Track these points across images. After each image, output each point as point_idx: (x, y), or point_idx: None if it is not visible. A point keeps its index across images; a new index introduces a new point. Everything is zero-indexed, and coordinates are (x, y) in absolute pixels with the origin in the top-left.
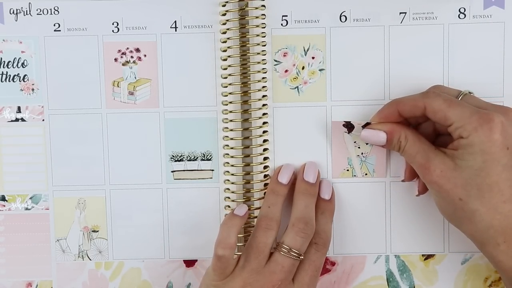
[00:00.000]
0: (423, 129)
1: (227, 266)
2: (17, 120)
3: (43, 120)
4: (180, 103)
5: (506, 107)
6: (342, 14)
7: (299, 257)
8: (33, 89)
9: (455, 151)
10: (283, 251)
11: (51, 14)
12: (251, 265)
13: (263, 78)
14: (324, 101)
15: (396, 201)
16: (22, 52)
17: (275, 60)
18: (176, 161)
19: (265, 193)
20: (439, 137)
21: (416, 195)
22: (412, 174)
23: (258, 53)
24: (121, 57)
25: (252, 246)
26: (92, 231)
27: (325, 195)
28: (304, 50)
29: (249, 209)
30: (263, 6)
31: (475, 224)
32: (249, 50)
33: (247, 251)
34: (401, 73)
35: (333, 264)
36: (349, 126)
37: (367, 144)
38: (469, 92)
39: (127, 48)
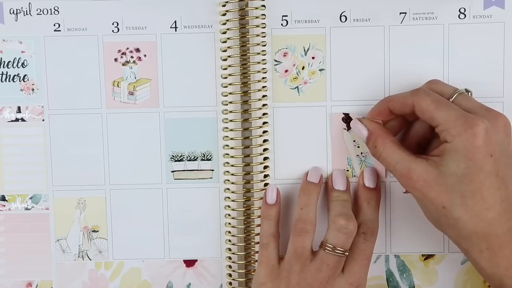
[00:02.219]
0: (419, 125)
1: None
2: (17, 120)
3: (43, 120)
4: (180, 103)
5: (496, 113)
6: (342, 14)
7: (344, 254)
8: (33, 89)
9: (438, 158)
10: (328, 249)
11: (51, 14)
12: (294, 268)
13: (263, 78)
14: (324, 101)
15: (396, 201)
16: (22, 52)
17: (275, 60)
18: (176, 161)
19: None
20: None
21: (404, 192)
22: None
23: (258, 53)
24: (121, 57)
25: (291, 251)
26: (92, 231)
27: (370, 184)
28: (304, 50)
29: (249, 209)
30: (263, 6)
31: (458, 231)
32: (249, 50)
33: (288, 256)
34: (401, 73)
35: None
36: (348, 120)
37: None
38: (466, 90)
39: (127, 48)
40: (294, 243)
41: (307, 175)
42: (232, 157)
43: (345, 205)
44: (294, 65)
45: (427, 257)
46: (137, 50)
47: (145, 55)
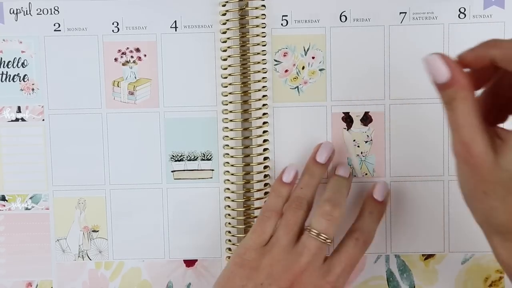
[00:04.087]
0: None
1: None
2: (17, 120)
3: (43, 120)
4: (180, 103)
5: None
6: (342, 14)
7: (326, 241)
8: (33, 89)
9: (501, 142)
10: (312, 234)
11: (51, 14)
12: (281, 242)
13: (263, 78)
14: (324, 101)
15: (396, 201)
16: (22, 52)
17: (275, 60)
18: (176, 161)
19: (265, 193)
20: None
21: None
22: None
23: (258, 53)
24: (121, 57)
25: (282, 224)
26: (92, 231)
27: (378, 196)
28: (304, 50)
29: (249, 209)
30: (263, 6)
31: (488, 218)
32: (249, 50)
33: (279, 229)
34: (401, 73)
35: None
36: (348, 120)
37: (366, 142)
38: None
39: (127, 48)
40: (287, 217)
41: (316, 154)
42: (232, 157)
43: (339, 190)
44: (294, 65)
45: (428, 257)
46: (137, 50)
47: (145, 55)
